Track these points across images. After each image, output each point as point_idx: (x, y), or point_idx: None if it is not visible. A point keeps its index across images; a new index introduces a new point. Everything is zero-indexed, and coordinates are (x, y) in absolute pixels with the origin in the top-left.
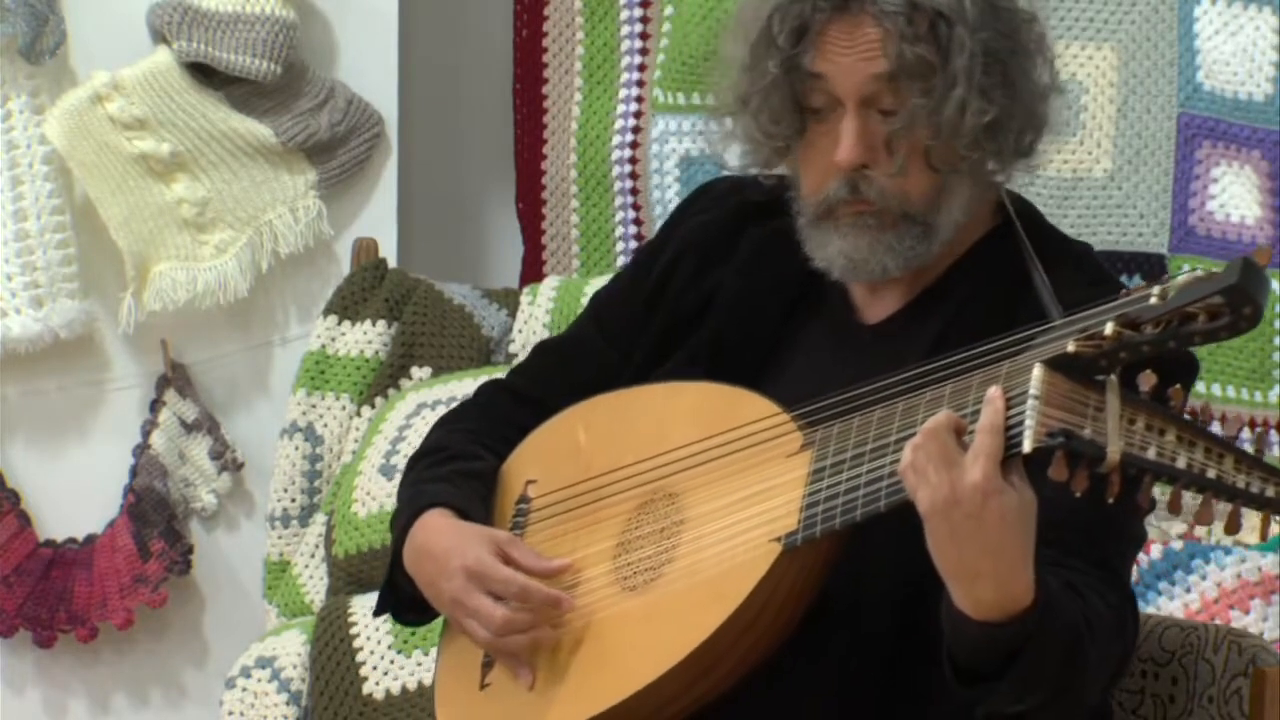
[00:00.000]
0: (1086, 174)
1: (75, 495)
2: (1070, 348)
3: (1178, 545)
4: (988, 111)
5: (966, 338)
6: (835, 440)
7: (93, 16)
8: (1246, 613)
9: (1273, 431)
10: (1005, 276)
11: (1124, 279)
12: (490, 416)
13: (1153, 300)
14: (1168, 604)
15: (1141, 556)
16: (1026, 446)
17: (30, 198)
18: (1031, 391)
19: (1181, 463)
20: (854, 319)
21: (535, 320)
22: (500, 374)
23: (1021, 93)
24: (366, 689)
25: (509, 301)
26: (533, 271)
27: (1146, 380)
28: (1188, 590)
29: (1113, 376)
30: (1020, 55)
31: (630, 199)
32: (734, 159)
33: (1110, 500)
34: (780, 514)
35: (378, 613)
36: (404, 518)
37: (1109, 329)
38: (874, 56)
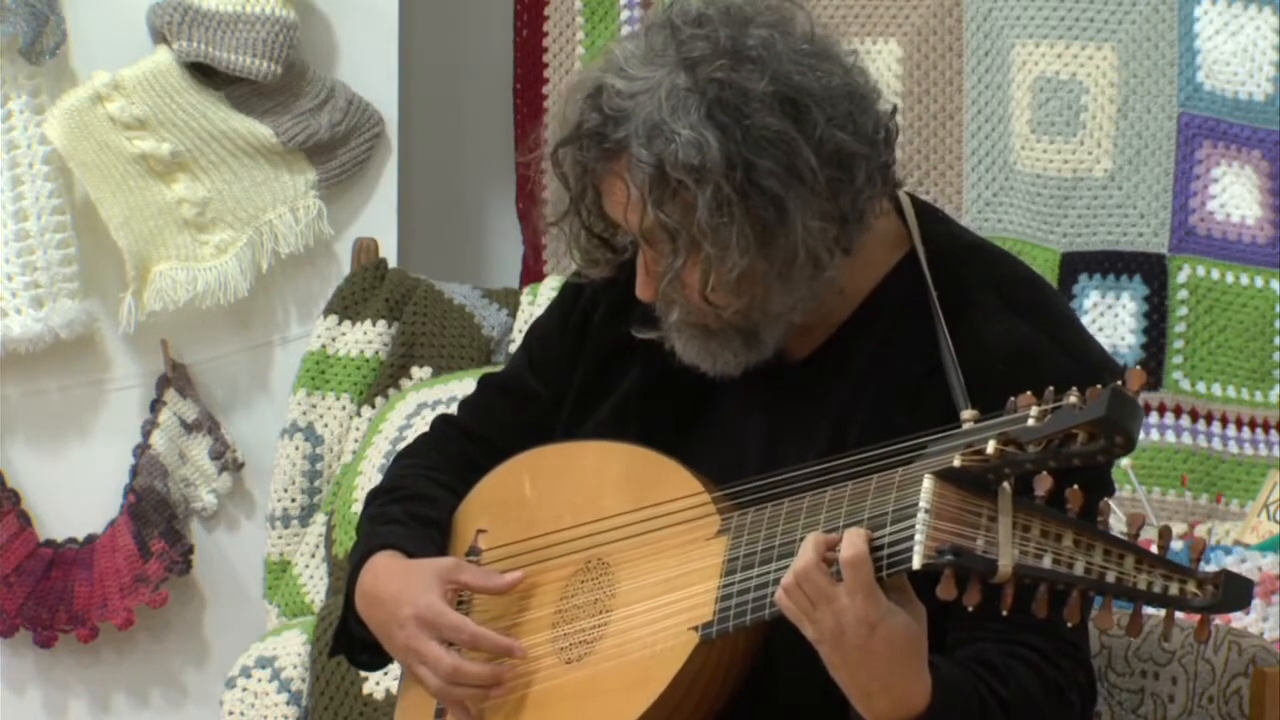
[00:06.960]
0: (1086, 174)
1: (75, 495)
2: (956, 462)
3: (1178, 546)
4: (737, 267)
5: (891, 368)
6: (748, 531)
7: (93, 16)
8: (1246, 613)
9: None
10: (924, 303)
11: (1124, 279)
12: (445, 453)
13: (1030, 423)
14: None
15: None
16: (916, 563)
17: (30, 198)
18: (922, 505)
19: (1079, 568)
20: (778, 356)
21: None
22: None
23: (794, 220)
24: (366, 689)
25: (509, 301)
26: (533, 271)
27: (1042, 484)
28: None
29: (1005, 485)
30: (794, 176)
31: None
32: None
33: (1004, 612)
34: (698, 602)
35: (332, 654)
36: (354, 560)
37: (991, 447)
38: (633, 215)
